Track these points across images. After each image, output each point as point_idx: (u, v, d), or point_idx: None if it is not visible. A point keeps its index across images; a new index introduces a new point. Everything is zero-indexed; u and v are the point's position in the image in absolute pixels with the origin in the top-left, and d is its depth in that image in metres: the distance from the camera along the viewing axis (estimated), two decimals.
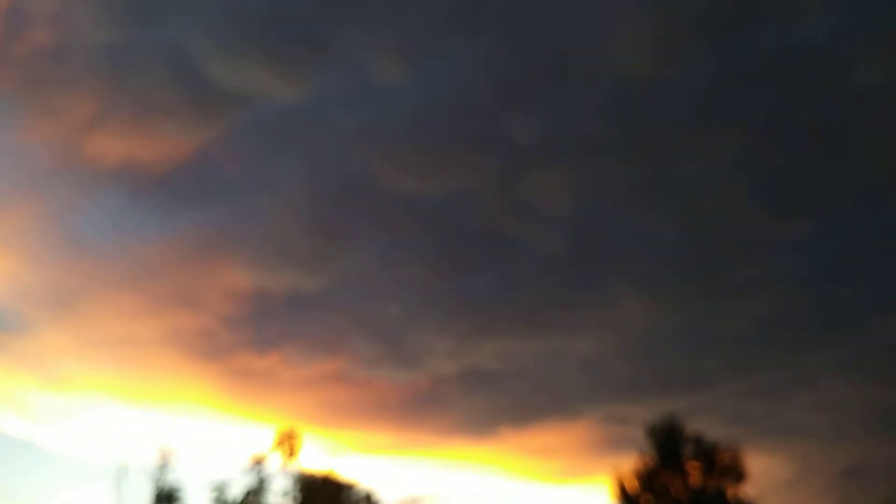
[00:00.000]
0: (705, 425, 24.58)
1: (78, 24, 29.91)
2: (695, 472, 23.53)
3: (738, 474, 23.30)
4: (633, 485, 23.85)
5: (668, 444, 23.86)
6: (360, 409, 36.93)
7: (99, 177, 34.27)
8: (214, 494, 24.29)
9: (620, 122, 36.03)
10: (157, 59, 30.95)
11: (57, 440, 36.80)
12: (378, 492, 26.50)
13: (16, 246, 34.64)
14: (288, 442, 25.21)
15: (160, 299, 36.82)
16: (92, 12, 29.38)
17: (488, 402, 36.80)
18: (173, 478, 24.62)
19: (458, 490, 31.83)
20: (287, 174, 35.48)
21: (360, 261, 37.93)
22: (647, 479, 23.81)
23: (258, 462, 24.87)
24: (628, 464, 24.08)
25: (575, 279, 37.23)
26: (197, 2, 29.49)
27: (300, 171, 35.32)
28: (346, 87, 33.70)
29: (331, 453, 27.09)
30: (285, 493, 24.86)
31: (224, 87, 31.41)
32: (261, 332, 38.11)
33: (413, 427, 37.51)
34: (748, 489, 23.39)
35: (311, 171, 35.41)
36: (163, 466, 24.68)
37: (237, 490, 24.55)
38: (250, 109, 33.54)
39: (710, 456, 23.51)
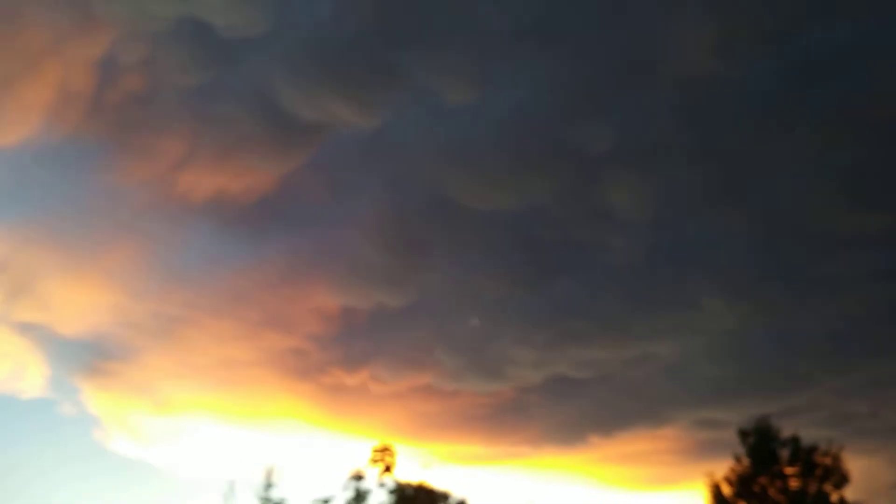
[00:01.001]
0: (800, 427, 24.11)
1: (165, 69, 32.05)
2: (793, 476, 23.13)
3: (839, 477, 22.77)
4: (728, 490, 23.64)
5: (762, 447, 23.50)
6: (448, 421, 37.79)
7: (191, 211, 36.46)
8: None
9: (691, 123, 35.72)
10: (240, 97, 32.83)
11: (166, 459, 39.20)
12: (471, 501, 27.10)
13: (120, 280, 37.17)
14: (383, 456, 26.10)
15: (253, 323, 38.77)
16: (178, 57, 31.42)
17: (575, 411, 37.00)
18: (277, 493, 25.87)
19: (549, 499, 32.05)
20: (367, 198, 36.85)
21: (441, 277, 38.91)
22: (743, 484, 23.50)
23: (356, 477, 25.85)
24: (722, 469, 23.90)
25: (656, 283, 37.05)
26: (275, 40, 31.11)
27: (380, 194, 36.62)
28: (420, 111, 34.81)
29: (423, 465, 27.86)
30: None
31: (304, 118, 33.03)
32: (349, 350, 39.62)
33: (502, 437, 38.08)
34: (850, 493, 22.86)
35: (390, 194, 36.66)
36: (267, 483, 25.97)
37: None
38: (330, 138, 35.13)
39: (809, 459, 23.03)
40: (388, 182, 37.06)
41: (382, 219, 38.07)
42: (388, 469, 25.66)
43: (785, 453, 23.26)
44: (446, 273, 38.66)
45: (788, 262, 35.64)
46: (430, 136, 35.83)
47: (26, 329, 36.91)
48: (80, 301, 36.95)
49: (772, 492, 23.10)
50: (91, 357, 38.33)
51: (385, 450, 25.85)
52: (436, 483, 27.18)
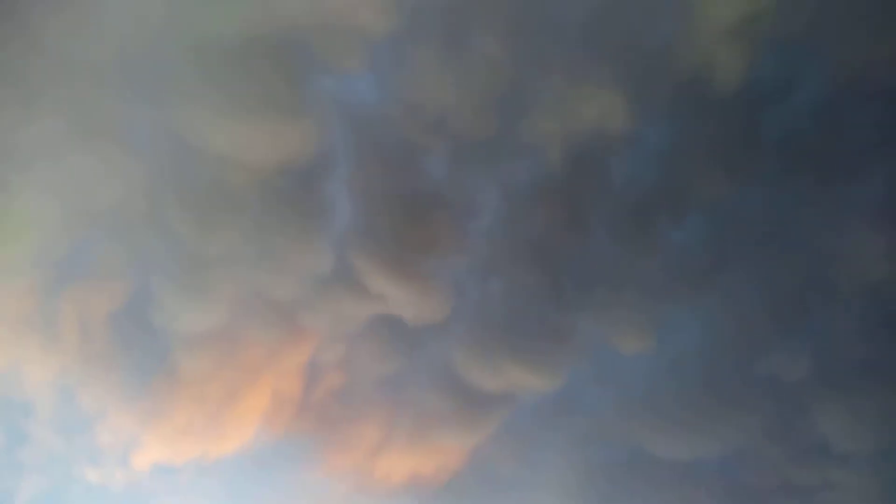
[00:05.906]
0: None
1: (361, 364, 35.12)
2: None
3: None
4: None
5: None
6: None
7: (389, 494, 37.20)
8: None
9: (890, 330, 33.44)
10: (428, 378, 34.97)
11: None
12: None
13: None
14: None
15: None
16: (372, 352, 34.57)
17: None
18: None
19: None
20: (557, 459, 36.21)
21: None
22: None
23: None
24: None
25: None
26: (455, 322, 33.83)
27: (569, 454, 35.94)
28: (598, 367, 35.23)
29: None
30: None
31: (487, 390, 34.33)
32: None
33: None
34: None
35: (580, 453, 35.89)
36: None
37: None
38: (514, 405, 35.83)
39: None
40: (576, 441, 36.48)
41: (574, 479, 36.95)
42: None
43: None
44: None
45: None
46: (610, 389, 35.81)
47: None
48: None
49: None
50: None
51: None
52: None
